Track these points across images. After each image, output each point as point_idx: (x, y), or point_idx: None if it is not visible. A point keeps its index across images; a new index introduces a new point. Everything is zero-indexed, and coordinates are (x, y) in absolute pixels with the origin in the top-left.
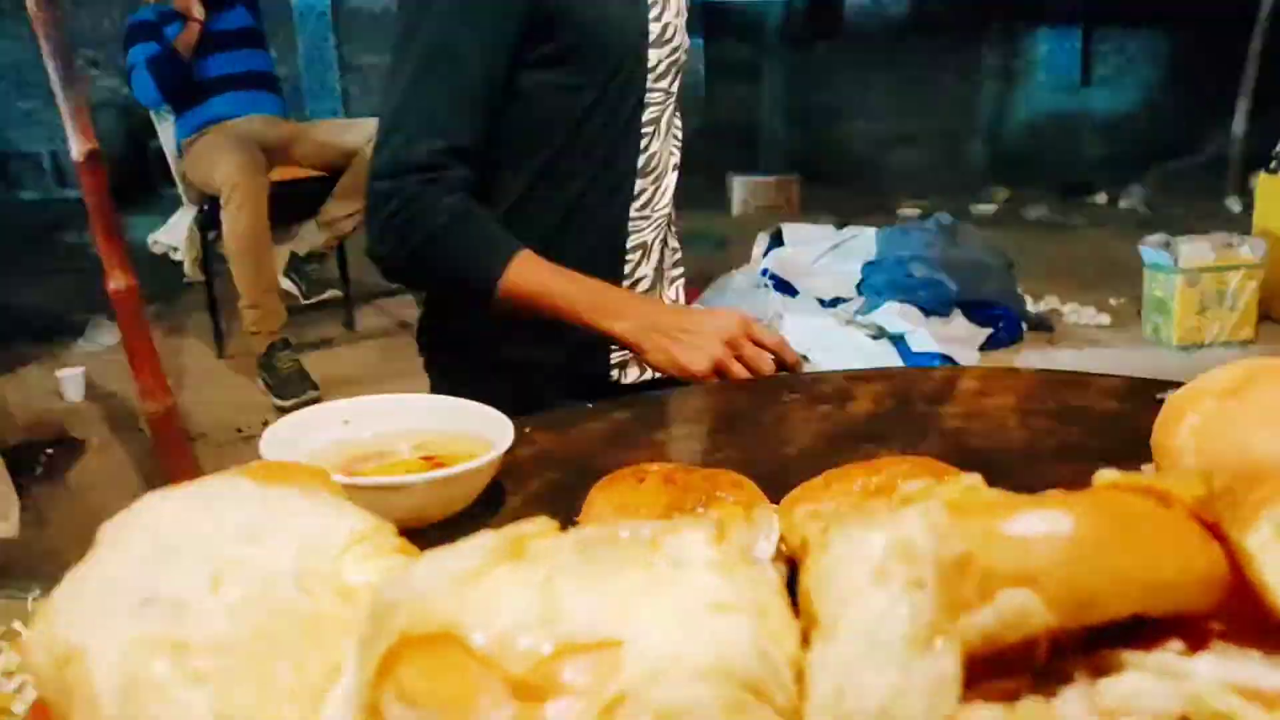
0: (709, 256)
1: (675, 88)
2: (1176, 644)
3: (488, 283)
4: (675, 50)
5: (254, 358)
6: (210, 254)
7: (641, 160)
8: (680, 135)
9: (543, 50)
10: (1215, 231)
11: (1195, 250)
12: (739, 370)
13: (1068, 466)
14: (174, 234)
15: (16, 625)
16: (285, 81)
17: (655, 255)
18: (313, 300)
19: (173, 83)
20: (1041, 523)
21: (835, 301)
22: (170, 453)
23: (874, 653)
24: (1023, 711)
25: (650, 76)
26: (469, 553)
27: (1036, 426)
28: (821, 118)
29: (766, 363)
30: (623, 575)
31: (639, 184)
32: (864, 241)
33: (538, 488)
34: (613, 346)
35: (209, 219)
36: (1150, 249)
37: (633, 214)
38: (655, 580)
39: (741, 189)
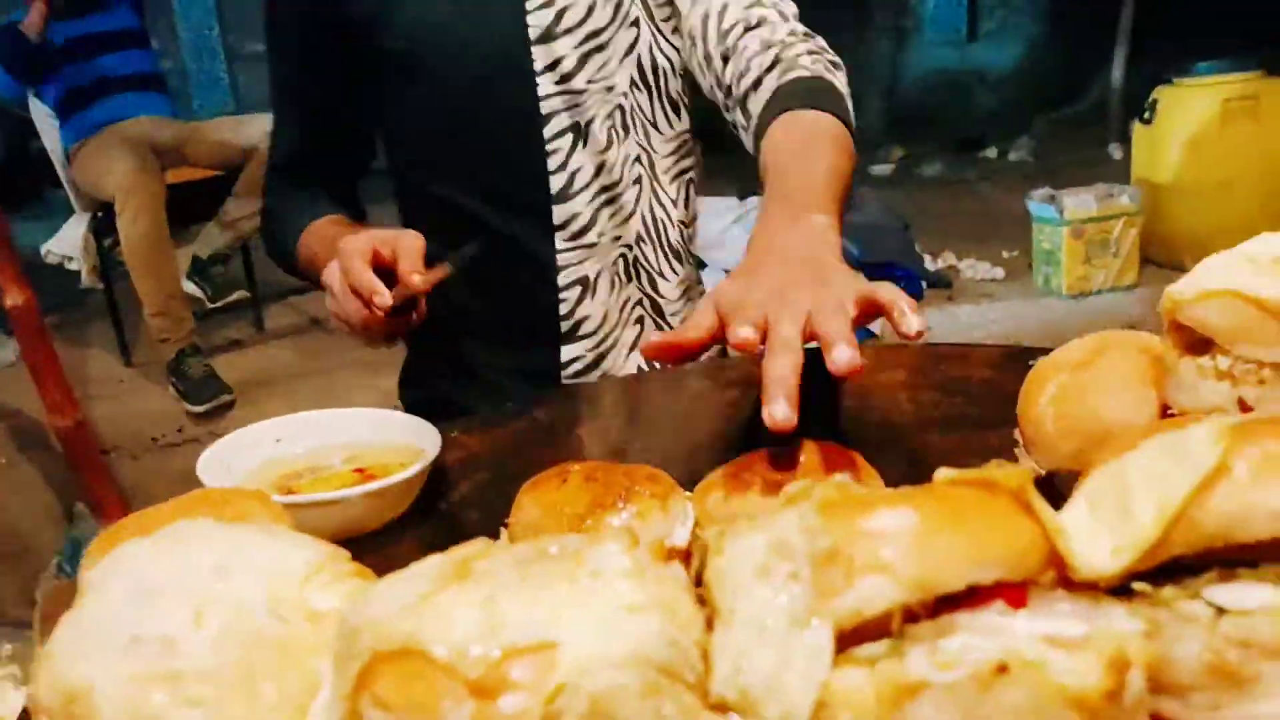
0: None
1: (618, 80)
2: (1000, 605)
3: (290, 259)
4: (595, 36)
5: (162, 364)
6: (108, 261)
7: (558, 181)
8: (682, 142)
9: (371, 57)
10: (1098, 182)
11: (1078, 202)
12: None
13: (951, 436)
14: (67, 243)
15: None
16: (171, 75)
17: (605, 291)
18: (219, 303)
19: (17, 61)
20: (891, 518)
21: None
22: (85, 467)
23: (762, 635)
24: (880, 671)
25: (549, 78)
26: (421, 576)
27: (923, 400)
28: None
29: None
30: (553, 588)
31: (558, 210)
32: None
33: (467, 490)
34: (560, 293)
35: (104, 226)
36: (1036, 203)
37: (560, 244)
38: (580, 590)
39: None
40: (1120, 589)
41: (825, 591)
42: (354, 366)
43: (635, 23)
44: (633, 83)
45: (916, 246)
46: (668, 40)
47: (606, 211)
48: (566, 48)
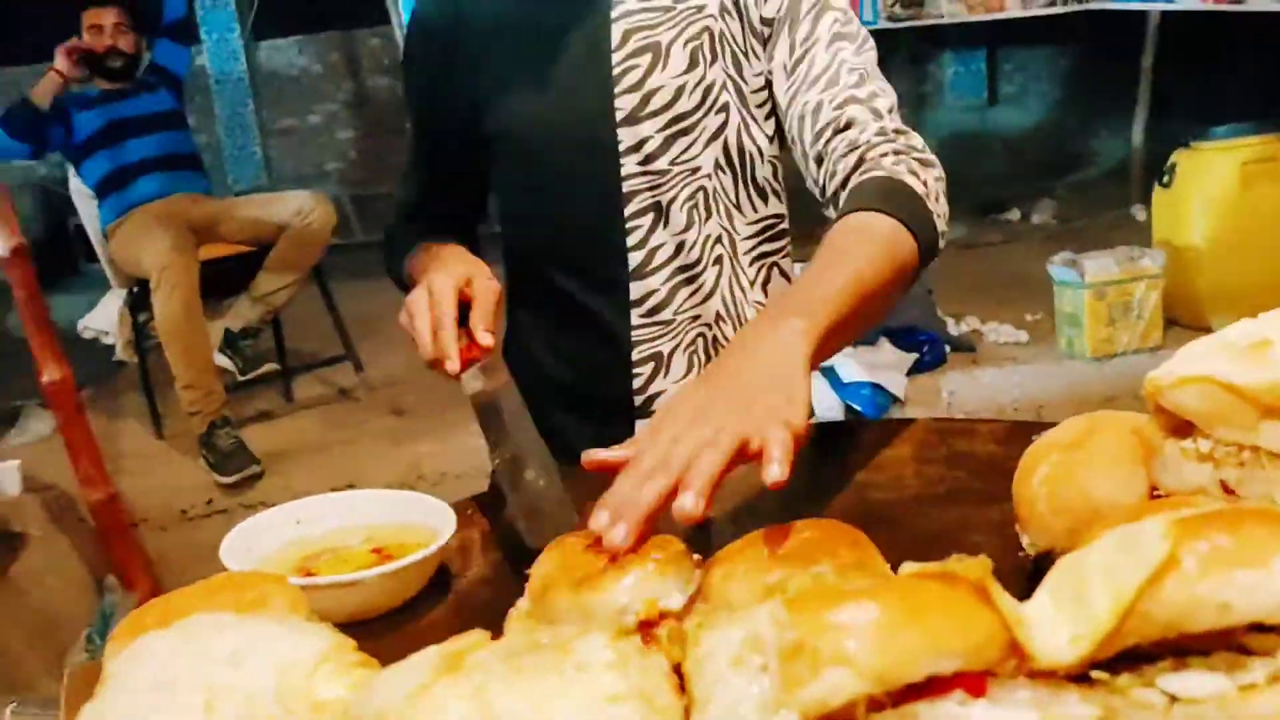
0: None
1: (702, 162)
2: (959, 694)
3: (400, 279)
4: (681, 120)
5: (193, 436)
6: (142, 335)
7: (636, 258)
8: (766, 226)
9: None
10: (1122, 244)
11: (1100, 265)
12: None
13: (954, 510)
14: (103, 319)
15: None
16: (206, 150)
17: (680, 369)
18: (250, 376)
19: (24, 130)
20: (855, 612)
21: None
22: (115, 541)
23: None
24: None
25: (634, 158)
26: (416, 669)
27: (929, 475)
28: None
29: None
30: (540, 680)
31: (635, 286)
32: None
33: (481, 568)
34: (634, 368)
35: (139, 301)
36: (1058, 266)
37: (636, 319)
38: (565, 681)
39: None
40: (1080, 676)
41: (792, 683)
42: (379, 437)
43: (725, 108)
44: (717, 165)
45: (939, 311)
46: (759, 126)
47: (684, 290)
48: (651, 129)
